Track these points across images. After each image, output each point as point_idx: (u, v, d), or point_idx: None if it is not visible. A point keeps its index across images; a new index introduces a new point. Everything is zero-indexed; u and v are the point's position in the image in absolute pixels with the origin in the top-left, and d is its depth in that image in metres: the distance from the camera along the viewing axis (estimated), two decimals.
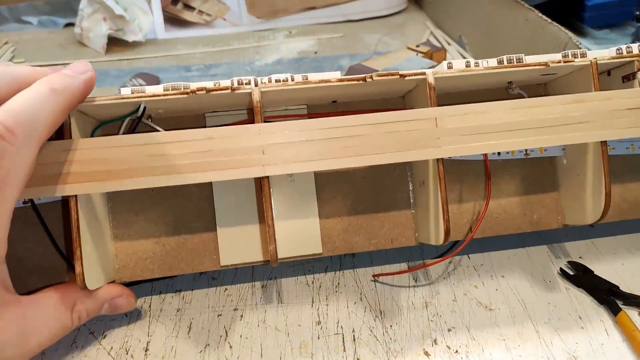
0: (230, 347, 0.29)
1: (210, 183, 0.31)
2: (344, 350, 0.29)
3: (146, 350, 0.29)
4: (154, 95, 0.27)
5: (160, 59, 0.63)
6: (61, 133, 0.26)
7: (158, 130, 0.29)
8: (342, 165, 0.27)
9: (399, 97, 0.33)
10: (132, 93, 0.27)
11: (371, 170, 0.32)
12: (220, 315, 0.31)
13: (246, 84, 0.27)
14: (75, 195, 0.25)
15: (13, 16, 0.73)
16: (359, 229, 0.31)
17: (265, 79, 0.28)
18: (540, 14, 0.47)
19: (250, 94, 0.27)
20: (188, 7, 0.68)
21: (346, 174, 0.32)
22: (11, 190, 0.21)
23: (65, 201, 0.29)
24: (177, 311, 0.31)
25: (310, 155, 0.26)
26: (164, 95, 0.27)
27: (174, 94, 0.27)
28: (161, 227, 0.30)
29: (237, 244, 0.30)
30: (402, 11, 0.74)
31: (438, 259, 0.33)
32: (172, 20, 0.69)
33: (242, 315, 0.31)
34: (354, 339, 0.29)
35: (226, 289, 0.33)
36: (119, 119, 0.29)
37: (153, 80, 0.56)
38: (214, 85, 0.27)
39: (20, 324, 0.24)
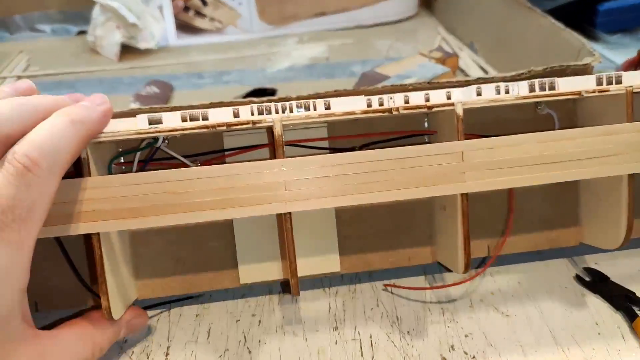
0: (250, 352, 0.30)
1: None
2: (362, 356, 0.29)
3: (167, 354, 0.30)
4: (173, 130, 0.26)
5: (172, 67, 0.64)
6: (79, 166, 0.25)
7: (176, 157, 0.29)
8: (364, 200, 0.26)
9: (423, 113, 0.33)
10: (150, 126, 0.26)
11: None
12: (239, 320, 0.31)
13: (266, 111, 0.27)
14: (98, 233, 0.25)
15: (27, 25, 0.74)
16: (376, 247, 0.31)
17: (287, 105, 0.27)
18: (553, 20, 0.47)
19: (271, 127, 0.27)
20: (199, 14, 0.69)
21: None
22: (36, 222, 0.22)
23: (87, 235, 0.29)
24: (197, 316, 0.32)
25: (332, 191, 0.26)
26: (182, 130, 0.26)
27: (193, 128, 0.26)
28: (181, 246, 0.31)
29: (257, 261, 0.30)
30: (413, 17, 0.74)
31: (456, 283, 0.33)
32: (183, 27, 0.70)
33: (260, 321, 0.31)
34: (372, 345, 0.30)
35: (244, 296, 0.33)
36: (136, 150, 0.28)
37: (166, 87, 0.57)
38: (235, 119, 0.26)
39: (38, 358, 0.23)
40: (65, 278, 0.29)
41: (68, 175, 0.24)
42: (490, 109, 0.29)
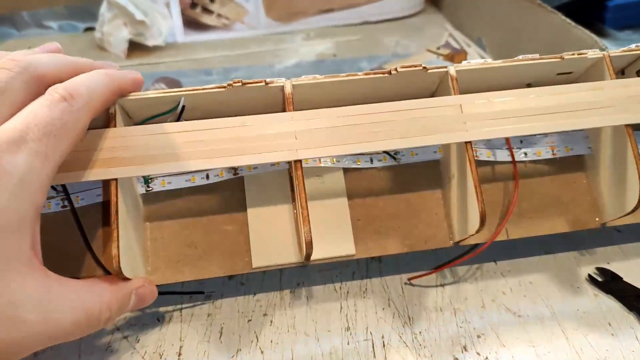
0: (262, 352, 0.30)
1: (243, 187, 0.31)
2: (374, 357, 0.29)
3: (179, 354, 0.30)
4: (193, 90, 0.29)
5: (180, 63, 0.63)
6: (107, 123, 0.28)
7: None
8: (372, 148, 0.28)
9: (431, 93, 0.33)
10: (161, 91, 0.28)
11: (401, 173, 0.33)
12: (250, 320, 0.32)
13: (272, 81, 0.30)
14: (116, 179, 0.26)
15: (34, 21, 0.74)
16: (391, 231, 0.32)
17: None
18: (563, 17, 0.46)
19: (282, 87, 0.29)
20: (207, 10, 0.69)
21: (376, 176, 0.32)
22: (63, 142, 0.23)
23: (106, 188, 0.30)
24: (208, 316, 0.32)
25: (340, 139, 0.28)
26: (202, 89, 0.29)
27: (212, 88, 0.29)
28: (193, 231, 0.31)
29: (269, 246, 0.30)
30: (419, 13, 0.74)
31: (467, 256, 0.32)
32: (191, 23, 0.69)
33: (271, 321, 0.31)
34: (384, 345, 0.30)
35: (255, 295, 0.33)
36: (158, 115, 0.29)
37: (175, 84, 0.57)
38: (249, 80, 0.29)
39: (43, 293, 0.22)
40: (75, 246, 0.29)
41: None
42: (484, 85, 0.31)
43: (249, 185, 0.31)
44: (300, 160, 0.28)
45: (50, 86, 0.24)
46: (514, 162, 0.33)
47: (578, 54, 0.31)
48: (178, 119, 0.29)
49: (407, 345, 0.30)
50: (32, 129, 0.22)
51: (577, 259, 0.35)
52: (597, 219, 0.33)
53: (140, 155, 0.26)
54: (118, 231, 0.26)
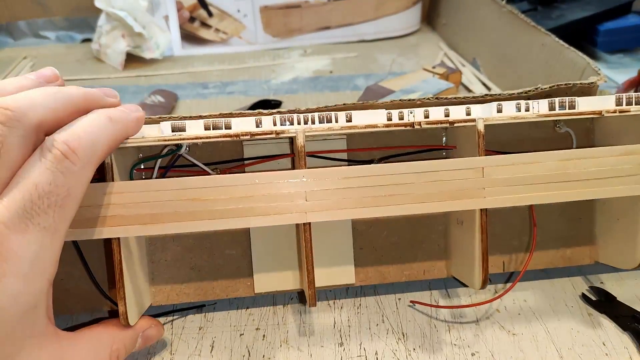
0: None
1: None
2: None
3: None
4: (196, 138, 0.26)
5: (177, 76, 0.64)
6: (102, 172, 0.26)
7: (197, 164, 0.29)
8: (384, 213, 0.26)
9: (441, 128, 0.33)
10: (173, 133, 0.26)
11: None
12: (243, 334, 0.31)
13: (289, 121, 0.27)
14: (118, 238, 0.25)
15: (31, 31, 0.74)
16: (391, 260, 0.31)
17: (309, 117, 0.27)
18: (557, 39, 0.47)
19: (295, 138, 0.27)
20: (205, 25, 0.70)
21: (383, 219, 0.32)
22: (70, 210, 0.22)
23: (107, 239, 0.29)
24: (200, 329, 0.31)
25: (352, 202, 0.26)
26: (205, 138, 0.26)
27: (217, 137, 0.26)
28: (196, 253, 0.30)
29: (272, 272, 0.30)
30: (415, 32, 0.75)
31: (477, 303, 0.32)
32: (188, 37, 0.70)
33: (264, 335, 0.31)
34: None
35: (248, 309, 0.33)
36: (158, 157, 0.29)
37: (171, 96, 0.57)
38: (257, 129, 0.27)
39: (57, 357, 0.23)
40: (80, 282, 0.29)
41: (92, 180, 0.24)
42: (509, 127, 0.29)
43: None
44: (309, 223, 0.27)
45: (48, 132, 0.22)
46: (532, 211, 0.32)
47: (620, 112, 0.29)
48: (178, 157, 0.29)
49: None
50: (36, 202, 0.20)
51: (571, 278, 0.35)
52: (592, 258, 0.33)
53: (142, 214, 0.25)
54: (124, 290, 0.25)
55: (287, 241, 0.31)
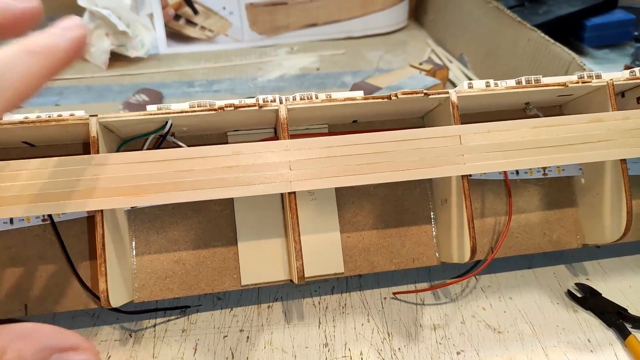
0: None
1: (232, 202, 0.31)
2: None
3: None
4: (181, 112, 0.27)
5: (162, 75, 0.63)
6: (88, 149, 0.26)
7: (182, 147, 0.29)
8: (367, 181, 0.27)
9: (419, 118, 0.33)
10: (158, 110, 0.27)
11: (392, 189, 0.32)
12: (226, 336, 0.31)
13: (272, 101, 0.28)
14: (102, 211, 0.25)
15: None
16: (380, 249, 0.31)
17: (291, 97, 0.28)
18: (542, 34, 0.47)
19: (276, 111, 0.27)
20: (190, 22, 0.69)
21: (367, 193, 0.32)
22: None
23: (90, 217, 0.28)
24: (182, 332, 0.31)
25: (336, 171, 0.27)
26: (191, 111, 0.27)
27: (201, 110, 0.27)
28: (181, 246, 0.30)
29: (259, 263, 0.30)
30: (402, 29, 0.75)
31: (458, 278, 0.33)
32: (174, 35, 0.69)
33: (248, 337, 0.31)
34: None
35: (232, 310, 0.32)
36: (144, 135, 0.29)
37: (156, 95, 0.56)
38: (241, 102, 0.27)
39: None
40: (61, 279, 0.28)
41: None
42: (483, 114, 0.31)
43: (238, 202, 0.31)
44: (294, 192, 0.27)
45: None
46: (506, 178, 0.33)
47: (582, 82, 0.30)
48: (164, 139, 0.29)
49: None
50: None
51: (556, 274, 0.35)
52: (579, 240, 0.33)
53: (126, 186, 0.25)
54: (106, 266, 0.25)
55: (274, 232, 0.30)
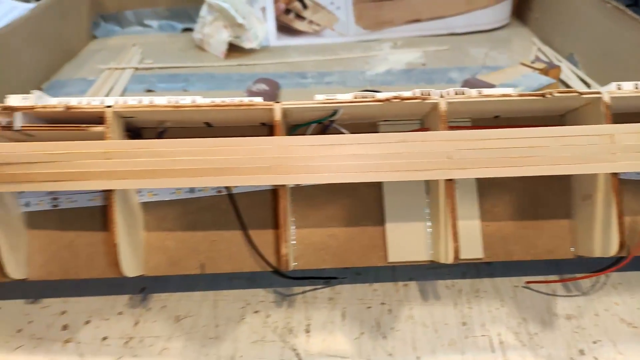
0: (384, 337, 0.32)
1: (380, 185, 0.34)
2: (492, 351, 0.31)
3: (307, 332, 0.32)
4: (350, 102, 0.30)
5: (275, 66, 0.67)
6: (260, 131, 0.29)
7: (345, 133, 0.32)
8: (519, 173, 0.29)
9: (558, 116, 0.34)
10: (326, 99, 0.30)
11: (531, 183, 0.34)
12: (370, 307, 0.34)
13: (426, 94, 0.30)
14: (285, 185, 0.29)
15: (137, 20, 0.79)
16: (518, 239, 0.33)
17: (445, 92, 0.30)
18: None
19: (436, 104, 0.30)
20: (299, 17, 0.72)
21: (506, 185, 0.34)
22: None
23: (271, 191, 0.33)
24: (329, 300, 0.34)
25: (488, 162, 0.29)
26: (357, 102, 0.30)
27: (367, 102, 0.30)
28: (335, 223, 0.33)
29: (403, 243, 0.32)
30: (505, 26, 0.75)
31: (597, 272, 0.34)
32: (283, 28, 0.73)
33: (390, 310, 0.33)
34: (501, 342, 0.31)
35: (371, 285, 0.35)
36: (315, 122, 0.32)
37: (274, 85, 0.60)
38: (399, 94, 0.30)
39: None
40: (231, 244, 0.33)
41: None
42: (624, 114, 0.31)
43: (387, 186, 0.34)
44: (452, 180, 0.29)
45: None
46: None
47: None
48: (330, 125, 0.32)
49: (524, 344, 0.31)
50: None
51: None
52: None
53: (304, 165, 0.28)
54: (287, 233, 0.28)
55: (420, 214, 0.33)
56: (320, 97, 0.30)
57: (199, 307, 0.34)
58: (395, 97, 0.29)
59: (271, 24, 0.72)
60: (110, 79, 0.64)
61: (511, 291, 0.34)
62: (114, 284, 0.36)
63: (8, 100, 0.29)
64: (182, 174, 0.29)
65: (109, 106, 0.29)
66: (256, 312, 0.34)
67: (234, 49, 0.70)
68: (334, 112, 0.30)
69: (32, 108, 0.29)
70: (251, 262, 0.33)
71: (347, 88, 0.60)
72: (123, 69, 0.66)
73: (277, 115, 0.29)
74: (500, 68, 0.63)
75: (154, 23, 0.79)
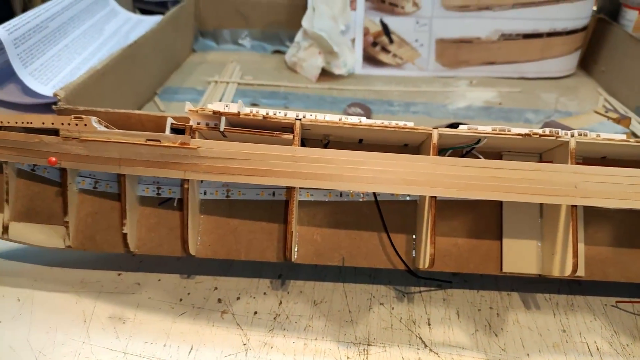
0: (496, 335, 0.37)
1: (500, 204, 0.39)
2: (591, 355, 0.36)
3: (429, 324, 0.38)
4: (494, 133, 0.35)
5: (362, 92, 0.74)
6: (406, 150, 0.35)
7: (480, 158, 0.38)
8: (634, 206, 0.34)
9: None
10: (470, 130, 0.36)
11: (631, 216, 0.39)
12: (480, 310, 0.39)
13: (556, 134, 0.36)
14: (435, 197, 0.35)
15: (232, 39, 0.87)
16: (614, 263, 0.38)
17: (570, 133, 0.36)
18: None
19: (566, 142, 0.36)
20: (384, 50, 0.79)
21: (609, 216, 0.39)
22: None
23: (412, 202, 0.38)
24: (443, 300, 0.40)
25: (614, 194, 0.34)
26: (503, 134, 0.35)
27: (512, 135, 0.35)
28: (459, 233, 0.39)
29: (517, 256, 0.38)
30: (571, 75, 0.81)
31: None
32: (368, 59, 0.80)
33: (498, 314, 0.39)
34: (597, 349, 0.36)
35: (479, 292, 0.41)
36: (460, 147, 0.38)
37: (367, 109, 0.67)
38: (541, 130, 0.36)
39: None
40: (368, 243, 0.39)
41: None
42: None
43: (506, 205, 0.39)
44: (575, 206, 0.34)
45: None
46: None
47: None
48: (471, 150, 0.38)
49: (618, 353, 0.36)
50: None
51: None
52: None
53: (453, 182, 0.34)
54: (435, 238, 0.34)
55: (531, 232, 0.38)
56: (464, 127, 0.36)
57: (332, 295, 0.40)
58: (535, 133, 0.35)
59: (359, 54, 0.79)
60: (218, 91, 0.71)
61: (602, 308, 0.40)
62: (254, 269, 0.42)
63: (212, 106, 0.36)
64: (339, 179, 0.35)
65: (298, 119, 0.35)
66: (381, 304, 0.39)
67: (323, 74, 0.77)
68: (478, 141, 0.36)
69: (237, 114, 0.35)
70: (384, 260, 0.39)
71: (432, 119, 0.67)
72: (227, 82, 0.74)
73: (435, 139, 0.35)
74: (571, 114, 0.69)
75: (247, 43, 0.87)
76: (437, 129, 0.36)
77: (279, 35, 0.86)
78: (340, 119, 0.37)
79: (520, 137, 0.36)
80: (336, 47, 0.75)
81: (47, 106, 0.59)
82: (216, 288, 0.40)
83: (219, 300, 0.39)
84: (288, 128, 0.36)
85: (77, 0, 0.70)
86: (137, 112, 0.42)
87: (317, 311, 0.39)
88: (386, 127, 0.36)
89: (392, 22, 0.78)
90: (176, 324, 0.37)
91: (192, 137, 0.35)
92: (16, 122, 0.37)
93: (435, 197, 0.35)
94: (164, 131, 0.36)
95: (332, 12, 0.77)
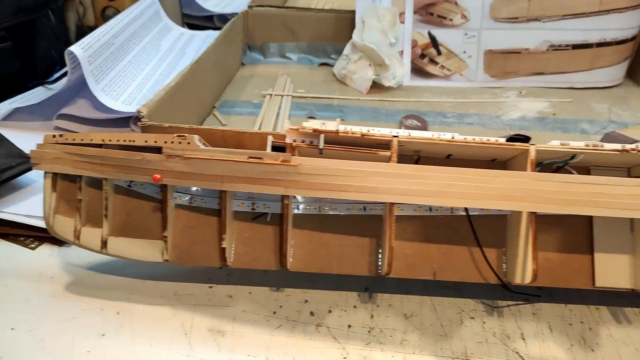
0: (592, 350, 0.37)
1: (590, 218, 0.40)
2: None
3: (523, 339, 0.38)
4: (592, 148, 0.36)
5: (414, 103, 0.74)
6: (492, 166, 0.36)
7: (574, 174, 0.38)
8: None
9: None
10: (562, 145, 0.36)
11: None
12: (571, 324, 0.39)
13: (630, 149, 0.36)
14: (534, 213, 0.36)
15: (279, 52, 0.89)
16: None
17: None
18: None
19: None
20: (432, 61, 0.80)
21: None
22: None
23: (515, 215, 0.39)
24: (533, 314, 0.40)
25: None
26: (599, 150, 0.36)
27: (609, 151, 0.36)
28: (549, 247, 0.39)
29: (610, 271, 0.38)
30: (619, 85, 0.81)
31: None
32: (416, 70, 0.81)
33: (590, 328, 0.39)
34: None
35: (567, 306, 0.41)
36: (555, 162, 0.38)
37: (423, 122, 0.67)
38: (634, 145, 0.36)
39: None
40: (459, 258, 0.39)
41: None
42: None
43: (597, 219, 0.40)
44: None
45: None
46: None
47: None
48: (564, 165, 0.38)
49: None
50: None
51: None
52: None
53: (548, 197, 0.34)
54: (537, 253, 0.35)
55: (622, 244, 0.38)
56: (555, 143, 0.37)
57: (421, 308, 0.41)
58: (632, 149, 0.36)
59: (407, 66, 0.80)
60: (274, 104, 0.72)
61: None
62: (337, 282, 0.43)
63: (309, 124, 0.37)
64: (438, 195, 0.35)
65: (395, 136, 0.36)
66: (472, 318, 0.40)
67: (372, 85, 0.78)
68: (573, 156, 0.37)
69: (336, 132, 0.36)
70: (476, 274, 0.39)
71: (487, 129, 0.67)
72: (281, 95, 0.75)
73: (532, 155, 0.36)
74: (627, 124, 0.69)
75: (294, 56, 0.88)
76: (534, 145, 0.36)
77: (325, 48, 0.87)
78: (433, 135, 0.38)
79: (616, 152, 0.36)
80: (387, 60, 0.76)
81: (116, 121, 0.60)
82: (306, 301, 0.41)
83: (312, 313, 0.40)
84: (382, 145, 0.37)
85: (136, 17, 0.72)
86: (229, 129, 0.42)
87: (409, 325, 0.39)
88: (481, 143, 0.37)
89: (440, 34, 0.79)
90: (274, 337, 0.38)
91: (292, 155, 0.36)
92: (118, 140, 0.39)
93: (536, 212, 0.35)
94: (260, 149, 0.37)
95: (382, 25, 0.78)
